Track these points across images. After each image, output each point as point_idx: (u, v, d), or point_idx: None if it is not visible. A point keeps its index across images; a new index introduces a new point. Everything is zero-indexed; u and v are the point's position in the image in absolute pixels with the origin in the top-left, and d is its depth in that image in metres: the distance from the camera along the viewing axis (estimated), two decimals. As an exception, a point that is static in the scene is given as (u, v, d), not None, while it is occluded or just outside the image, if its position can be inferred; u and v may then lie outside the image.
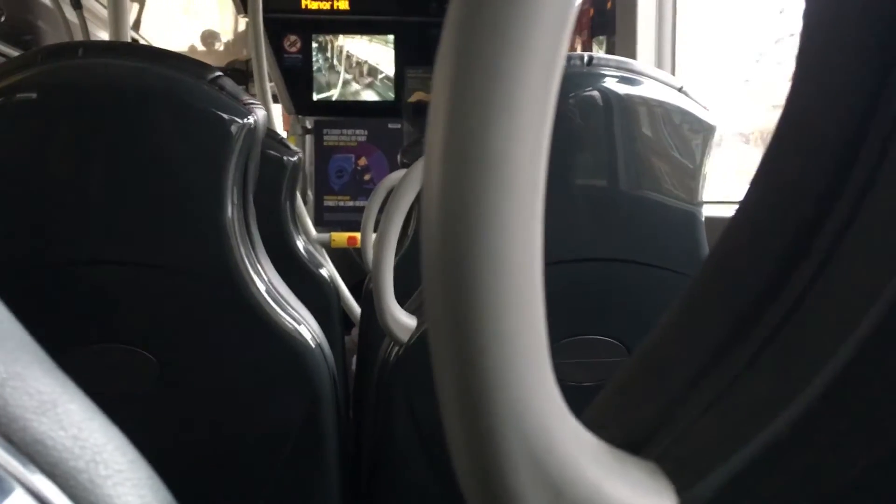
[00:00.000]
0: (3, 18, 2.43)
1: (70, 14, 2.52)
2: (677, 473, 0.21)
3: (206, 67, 0.85)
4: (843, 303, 0.22)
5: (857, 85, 0.22)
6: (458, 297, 0.17)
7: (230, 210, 0.84)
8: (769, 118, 1.70)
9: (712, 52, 1.74)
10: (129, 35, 1.63)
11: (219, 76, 0.84)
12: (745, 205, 0.24)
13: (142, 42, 3.34)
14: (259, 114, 0.87)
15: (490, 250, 0.16)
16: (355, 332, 2.08)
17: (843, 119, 0.22)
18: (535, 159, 0.16)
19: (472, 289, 0.17)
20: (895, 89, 0.21)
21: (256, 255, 0.90)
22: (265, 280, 0.89)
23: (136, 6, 3.36)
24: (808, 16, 0.23)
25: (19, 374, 0.18)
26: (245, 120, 0.83)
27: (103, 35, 2.82)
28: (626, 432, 0.22)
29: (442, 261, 0.17)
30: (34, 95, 0.81)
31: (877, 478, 0.22)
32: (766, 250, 0.24)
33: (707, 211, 0.95)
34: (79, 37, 2.52)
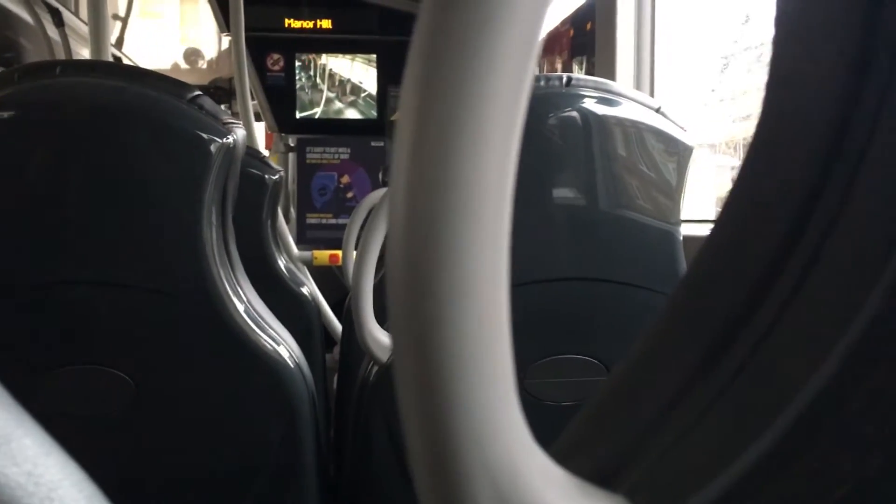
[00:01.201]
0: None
1: (52, 32, 2.51)
2: None
3: (185, 86, 0.84)
4: (815, 329, 0.22)
5: (831, 101, 0.22)
6: (421, 327, 0.16)
7: (208, 229, 0.83)
8: (737, 128, 1.72)
9: (679, 61, 1.75)
10: (112, 53, 1.61)
11: (198, 95, 0.84)
12: (717, 227, 0.24)
13: (125, 60, 3.32)
14: (238, 133, 0.86)
15: (454, 279, 0.16)
16: (337, 350, 2.07)
17: (817, 136, 0.22)
18: (501, 182, 0.16)
19: (434, 318, 0.16)
20: (870, 106, 0.21)
21: (235, 275, 0.89)
22: (244, 300, 0.88)
23: (118, 24, 3.35)
24: (780, 27, 0.22)
25: (-28, 408, 0.18)
26: (224, 139, 0.83)
27: (86, 53, 2.81)
28: (595, 464, 0.21)
29: (405, 289, 0.17)
30: (10, 114, 0.80)
31: None
32: (737, 275, 0.23)
33: (685, 230, 0.95)
34: (61, 55, 2.51)
